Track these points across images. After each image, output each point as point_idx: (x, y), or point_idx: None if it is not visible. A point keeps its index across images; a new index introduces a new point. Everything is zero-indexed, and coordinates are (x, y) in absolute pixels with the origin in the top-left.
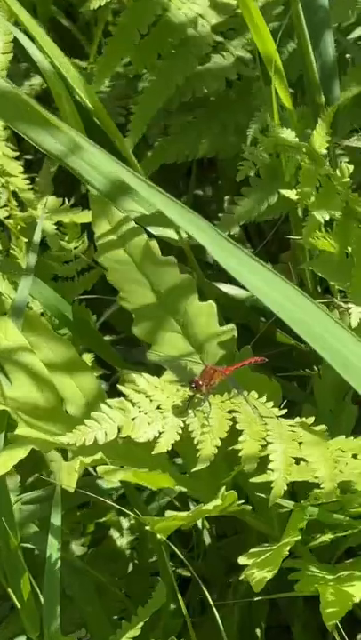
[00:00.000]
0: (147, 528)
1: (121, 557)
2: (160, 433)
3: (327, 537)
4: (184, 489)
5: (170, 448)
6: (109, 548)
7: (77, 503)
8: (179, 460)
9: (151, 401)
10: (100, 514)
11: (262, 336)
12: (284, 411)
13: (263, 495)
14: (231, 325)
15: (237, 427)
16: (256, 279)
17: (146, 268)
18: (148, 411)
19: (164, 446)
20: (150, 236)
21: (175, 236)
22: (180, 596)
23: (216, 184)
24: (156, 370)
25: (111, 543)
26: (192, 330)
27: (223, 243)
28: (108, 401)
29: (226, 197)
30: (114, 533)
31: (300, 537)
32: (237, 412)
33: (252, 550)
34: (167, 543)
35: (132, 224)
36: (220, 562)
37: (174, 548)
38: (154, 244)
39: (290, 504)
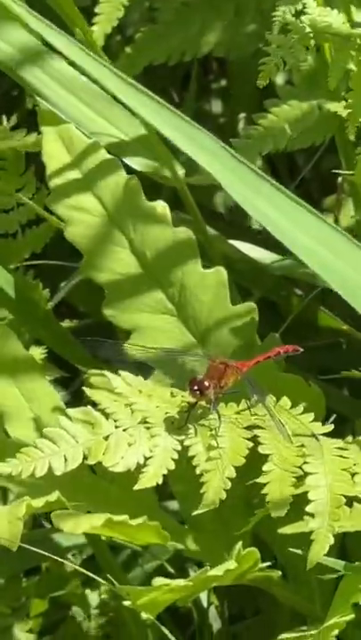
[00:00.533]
0: (125, 604)
1: None
2: (146, 459)
3: None
4: (181, 546)
5: (160, 482)
6: (71, 636)
7: (24, 568)
8: (174, 504)
9: (133, 412)
10: (56, 584)
11: (298, 319)
12: (330, 427)
13: (299, 552)
14: (250, 304)
15: (260, 450)
16: (294, 228)
17: (123, 220)
18: (129, 426)
19: (151, 479)
20: (130, 171)
21: (167, 173)
22: None
23: (227, 96)
24: (140, 370)
25: (73, 629)
26: (192, 310)
27: (243, 171)
28: (69, 411)
29: (241, 115)
30: (77, 613)
31: (352, 616)
32: (260, 427)
33: (282, 637)
34: (157, 626)
35: (104, 154)
36: None
37: (167, 633)
38: (135, 183)
39: (340, 565)
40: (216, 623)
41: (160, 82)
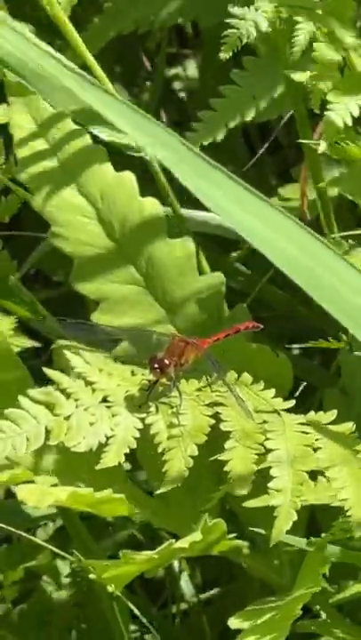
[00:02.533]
0: (91, 577)
1: (59, 618)
2: (108, 438)
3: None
4: (149, 518)
5: (123, 460)
6: (41, 606)
7: None
8: (143, 474)
9: (94, 390)
10: (27, 555)
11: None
12: (292, 402)
13: (262, 531)
14: (218, 274)
15: (222, 427)
16: (244, 214)
17: (90, 190)
18: (90, 405)
19: (113, 458)
20: (97, 141)
21: (134, 143)
22: None
23: (201, 64)
24: (112, 344)
25: (44, 598)
26: (160, 281)
27: (193, 159)
28: (31, 392)
29: (211, 82)
30: (48, 584)
31: (319, 587)
32: (222, 404)
33: (249, 608)
34: (121, 599)
35: (70, 123)
36: (208, 624)
37: (131, 606)
38: (101, 153)
39: (301, 541)
40: (189, 591)
41: (129, 50)
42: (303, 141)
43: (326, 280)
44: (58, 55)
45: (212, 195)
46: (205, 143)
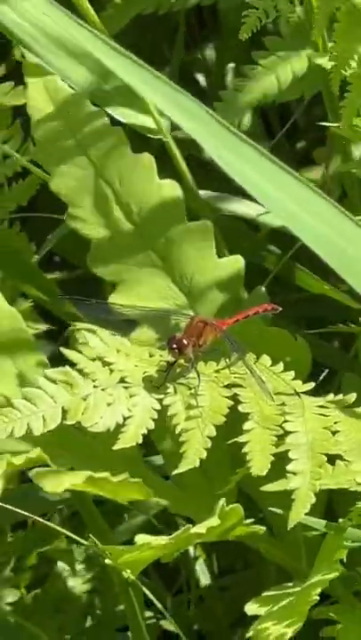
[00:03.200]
0: (107, 562)
1: (73, 605)
2: (125, 419)
3: None
4: (165, 502)
5: (140, 441)
6: (56, 592)
7: (9, 524)
8: (160, 459)
9: (112, 371)
10: (42, 540)
11: (281, 279)
12: (311, 385)
13: (280, 512)
14: (237, 257)
15: (240, 409)
16: (276, 191)
17: (109, 172)
18: (108, 386)
19: (131, 438)
20: (115, 123)
21: (153, 125)
22: None
23: (220, 48)
24: (129, 325)
25: (59, 584)
26: (178, 263)
27: (224, 133)
28: (48, 372)
29: (229, 66)
30: (63, 569)
31: (338, 573)
32: (241, 386)
33: (265, 594)
34: (136, 584)
35: (89, 105)
36: (224, 610)
37: (147, 591)
38: (120, 134)
39: (321, 525)
40: (204, 577)
41: (150, 34)
42: (324, 124)
43: (355, 258)
44: (87, 26)
45: (241, 169)
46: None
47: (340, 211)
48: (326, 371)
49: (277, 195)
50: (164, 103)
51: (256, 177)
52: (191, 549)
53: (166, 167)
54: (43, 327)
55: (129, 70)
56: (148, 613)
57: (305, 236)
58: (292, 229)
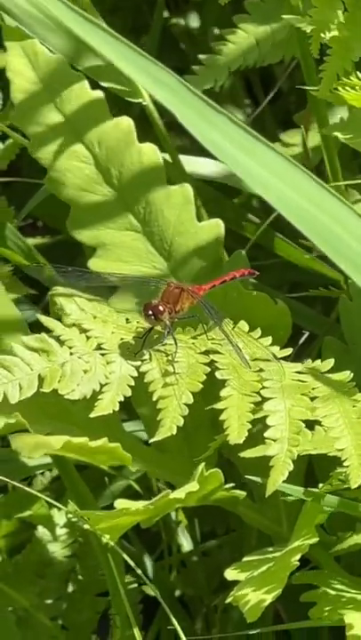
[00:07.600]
0: (86, 527)
1: (53, 571)
2: (102, 386)
3: (359, 538)
4: (145, 467)
5: (117, 408)
6: (37, 558)
7: None
8: (139, 424)
9: (88, 338)
10: (22, 505)
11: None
12: (288, 351)
13: (258, 480)
14: (216, 220)
15: (217, 375)
16: (250, 161)
17: (88, 135)
18: (84, 353)
19: (108, 406)
20: (95, 87)
21: (132, 88)
22: (136, 632)
23: (201, 11)
24: (109, 292)
25: (39, 549)
26: (157, 227)
27: (196, 103)
28: (24, 338)
29: (211, 30)
30: (43, 535)
31: (317, 538)
32: (218, 352)
33: (246, 559)
34: (123, 545)
35: (68, 69)
36: (205, 575)
37: (126, 557)
38: (100, 98)
39: (299, 490)
40: (186, 542)
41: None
42: (304, 87)
43: (329, 227)
44: None
45: (213, 138)
46: (207, 87)
47: (312, 178)
48: (307, 334)
49: (250, 164)
50: (136, 72)
51: (229, 146)
52: (173, 514)
53: (148, 132)
54: (23, 292)
55: (100, 39)
56: (131, 578)
57: (277, 202)
58: (266, 198)
